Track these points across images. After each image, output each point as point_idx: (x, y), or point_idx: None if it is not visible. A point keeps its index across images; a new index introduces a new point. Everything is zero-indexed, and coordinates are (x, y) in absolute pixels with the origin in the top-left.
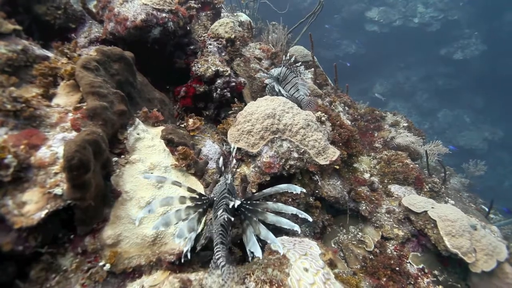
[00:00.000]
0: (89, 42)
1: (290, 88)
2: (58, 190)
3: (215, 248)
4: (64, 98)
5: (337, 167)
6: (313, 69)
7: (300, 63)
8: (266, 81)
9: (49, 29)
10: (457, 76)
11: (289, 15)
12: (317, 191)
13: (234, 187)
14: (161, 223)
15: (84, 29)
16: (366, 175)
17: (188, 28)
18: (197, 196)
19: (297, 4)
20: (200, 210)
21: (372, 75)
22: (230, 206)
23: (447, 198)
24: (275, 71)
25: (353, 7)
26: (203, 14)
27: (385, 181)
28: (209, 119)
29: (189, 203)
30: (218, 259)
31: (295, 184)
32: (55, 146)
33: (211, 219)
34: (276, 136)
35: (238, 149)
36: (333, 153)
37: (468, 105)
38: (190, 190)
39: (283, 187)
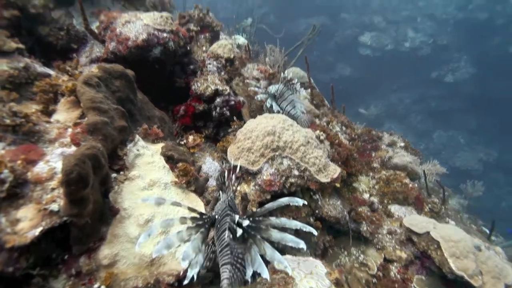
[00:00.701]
0: (90, 61)
1: (287, 105)
2: (54, 206)
3: (221, 269)
4: (64, 114)
5: (338, 185)
6: (309, 90)
7: (296, 80)
8: (258, 96)
9: (51, 49)
10: (449, 98)
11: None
12: (317, 211)
13: (236, 204)
14: (163, 246)
15: (85, 49)
16: (366, 195)
17: (188, 48)
18: (198, 216)
19: (293, 29)
20: (202, 229)
21: (367, 97)
22: (235, 225)
23: (447, 219)
24: (272, 88)
25: (346, 32)
26: (202, 36)
27: (385, 201)
28: (208, 138)
29: (190, 223)
30: (224, 280)
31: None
32: (53, 161)
33: (212, 238)
34: (277, 153)
35: (237, 168)
36: (334, 171)
37: (461, 127)
38: (191, 209)
39: (284, 200)
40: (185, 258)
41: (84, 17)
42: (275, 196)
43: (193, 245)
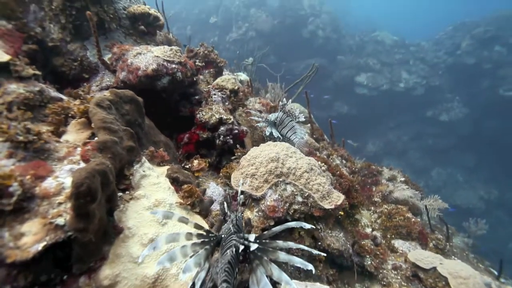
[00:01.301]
0: (100, 89)
1: (287, 131)
2: (60, 220)
3: (219, 286)
4: (74, 135)
5: (342, 213)
6: (309, 124)
7: (294, 107)
8: (258, 124)
9: (63, 78)
10: (446, 136)
11: (285, 78)
12: (320, 243)
13: (243, 224)
14: (166, 258)
15: (96, 78)
16: (368, 230)
17: (194, 79)
18: (205, 233)
19: (292, 69)
20: (207, 247)
21: (364, 134)
22: (243, 242)
23: (453, 256)
24: (272, 116)
25: (343, 73)
26: (207, 71)
27: (388, 236)
28: (210, 166)
29: (195, 240)
30: None
31: (300, 233)
32: (61, 177)
33: (217, 260)
34: (280, 179)
35: (241, 192)
36: (338, 198)
37: (459, 164)
38: (197, 226)
39: (292, 224)
40: (186, 270)
41: (98, 48)
42: (279, 222)
43: (195, 259)
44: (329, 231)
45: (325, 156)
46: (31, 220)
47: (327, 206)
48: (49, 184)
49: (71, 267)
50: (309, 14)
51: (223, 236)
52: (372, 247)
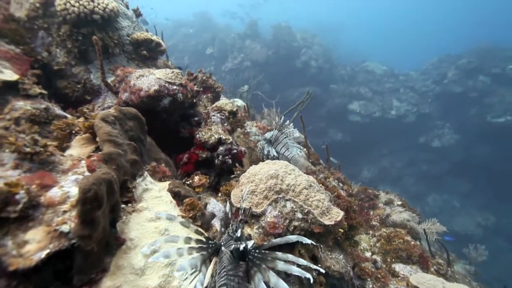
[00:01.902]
0: (102, 110)
1: (281, 148)
2: (65, 227)
3: None
4: (77, 149)
5: (341, 231)
6: (305, 149)
7: (291, 123)
8: (259, 143)
9: (66, 100)
10: (439, 162)
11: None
12: (319, 265)
13: (243, 233)
14: (161, 254)
15: (98, 100)
16: (367, 254)
17: (194, 101)
18: (204, 239)
19: (286, 97)
20: (204, 253)
21: (359, 161)
22: (241, 248)
23: (455, 283)
24: (267, 135)
25: (336, 101)
26: (204, 96)
27: (388, 259)
28: (209, 186)
29: (193, 244)
30: None
31: (300, 251)
32: (67, 186)
33: (216, 270)
34: (280, 196)
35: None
36: (337, 214)
37: (454, 190)
38: (198, 232)
39: (293, 237)
40: (180, 269)
41: (102, 71)
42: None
43: (191, 261)
44: (329, 253)
45: (322, 179)
46: (35, 228)
47: (327, 222)
48: (54, 193)
49: (71, 279)
50: (302, 46)
51: (222, 243)
52: (373, 269)
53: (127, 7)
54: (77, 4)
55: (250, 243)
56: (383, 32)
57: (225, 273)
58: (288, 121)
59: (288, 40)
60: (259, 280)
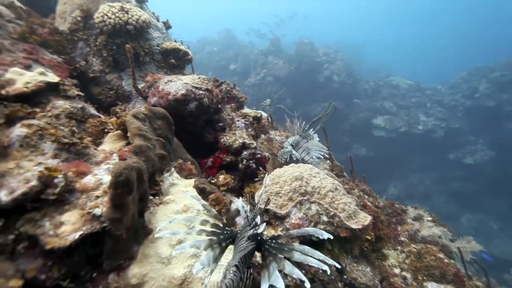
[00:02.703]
0: None
1: (301, 152)
2: (97, 210)
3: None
4: (109, 144)
5: (369, 237)
6: (328, 161)
7: (311, 128)
8: (285, 144)
9: (99, 106)
10: (472, 179)
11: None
12: (345, 276)
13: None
14: (169, 232)
15: (129, 105)
16: (396, 270)
17: (219, 106)
18: (221, 225)
19: (308, 111)
20: (214, 238)
21: (384, 177)
22: (259, 230)
23: None
24: (290, 140)
25: (360, 115)
26: (228, 106)
27: (419, 277)
28: (233, 190)
29: (208, 228)
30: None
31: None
32: (100, 174)
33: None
34: (305, 198)
35: (266, 211)
36: (365, 218)
37: (491, 210)
38: (217, 217)
39: (310, 230)
40: (178, 248)
41: (133, 77)
42: (304, 242)
43: (194, 243)
44: (355, 264)
45: (346, 189)
46: (71, 211)
47: (354, 226)
48: (88, 180)
49: (101, 265)
50: (324, 61)
51: (238, 231)
52: (403, 285)
53: (158, 19)
54: (113, 16)
55: (262, 227)
56: (407, 47)
57: (235, 268)
58: (308, 125)
59: (310, 56)
60: (274, 269)
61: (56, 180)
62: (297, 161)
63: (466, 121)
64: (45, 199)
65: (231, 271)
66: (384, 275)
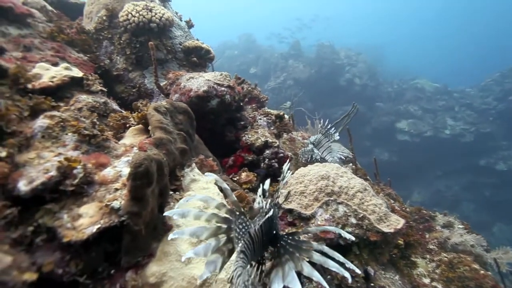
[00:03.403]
0: None
1: (323, 151)
2: (116, 203)
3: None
4: (130, 139)
5: (400, 242)
6: (351, 164)
7: (333, 127)
8: (305, 142)
9: (122, 103)
10: (505, 187)
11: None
12: (372, 284)
13: (277, 215)
14: (177, 212)
15: (151, 102)
16: (426, 280)
17: (241, 104)
18: (238, 213)
19: (329, 115)
20: (224, 226)
21: (407, 183)
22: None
23: None
24: (312, 138)
25: (382, 119)
26: (249, 107)
27: None
28: (254, 190)
29: (222, 213)
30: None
31: (352, 262)
32: (119, 166)
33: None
34: (331, 198)
35: (289, 211)
36: (397, 221)
37: None
38: (236, 204)
39: (331, 228)
40: (178, 233)
41: (156, 74)
42: (330, 245)
43: (196, 228)
44: (383, 272)
45: None
46: (89, 203)
47: (385, 230)
48: (107, 172)
49: (119, 262)
50: (346, 64)
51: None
52: None
53: (181, 19)
54: (137, 14)
55: (271, 212)
56: (433, 49)
57: (247, 241)
58: (331, 124)
59: (331, 59)
60: (290, 269)
61: (75, 171)
62: (317, 161)
63: (499, 125)
64: (64, 190)
65: (239, 258)
66: (414, 285)
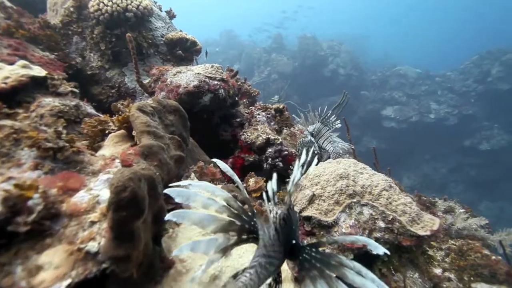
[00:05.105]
0: None
1: (323, 141)
2: (92, 245)
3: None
4: (111, 148)
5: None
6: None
7: (333, 114)
8: (304, 133)
9: (100, 107)
10: (490, 166)
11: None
12: (394, 285)
13: (297, 219)
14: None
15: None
16: (437, 270)
17: (236, 99)
18: (250, 214)
19: (317, 107)
20: (238, 222)
21: (397, 168)
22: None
23: None
24: (310, 128)
25: (368, 107)
26: (241, 102)
27: (465, 278)
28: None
29: (233, 209)
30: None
31: (380, 269)
32: (96, 188)
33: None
34: (354, 200)
35: (307, 219)
36: (432, 221)
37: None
38: (248, 203)
39: (362, 239)
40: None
41: (137, 70)
42: (358, 256)
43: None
44: (407, 275)
45: None
46: (53, 247)
47: (421, 232)
48: (80, 198)
49: None
50: (329, 54)
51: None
52: None
53: (160, 9)
54: (110, 3)
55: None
56: (413, 35)
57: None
58: (330, 111)
59: (314, 50)
60: None
61: (30, 202)
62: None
63: (480, 107)
64: (14, 232)
65: (247, 274)
66: (435, 282)
